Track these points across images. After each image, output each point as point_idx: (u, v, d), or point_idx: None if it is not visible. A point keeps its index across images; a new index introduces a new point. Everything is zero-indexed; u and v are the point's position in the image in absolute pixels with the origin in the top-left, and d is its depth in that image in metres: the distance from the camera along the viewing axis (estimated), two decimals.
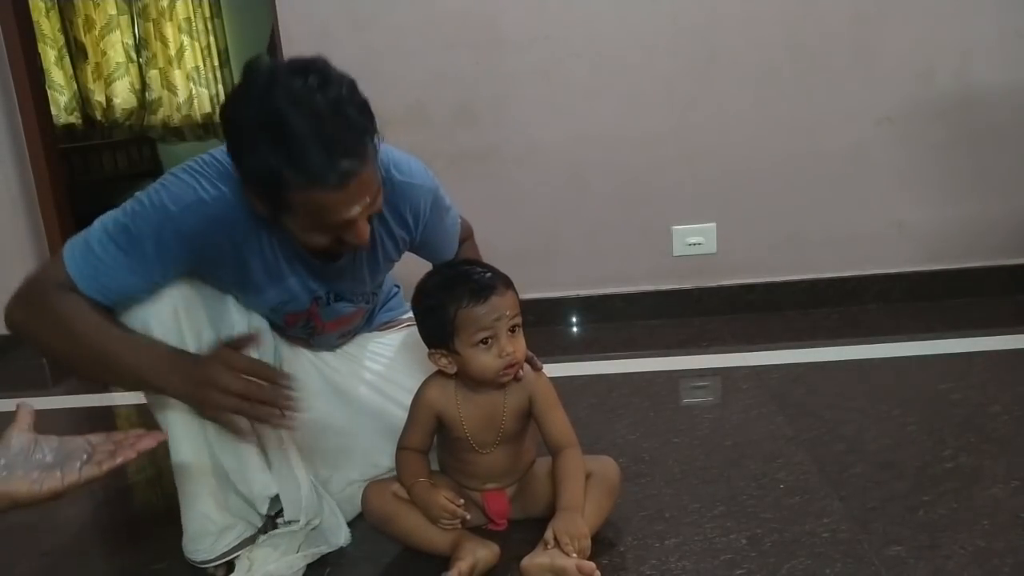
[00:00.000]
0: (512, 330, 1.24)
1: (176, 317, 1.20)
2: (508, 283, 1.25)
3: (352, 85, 1.07)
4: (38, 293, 1.14)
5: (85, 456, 0.97)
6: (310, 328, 1.39)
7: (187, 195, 1.13)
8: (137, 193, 1.16)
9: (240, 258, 1.21)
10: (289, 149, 1.00)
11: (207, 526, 1.26)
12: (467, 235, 1.56)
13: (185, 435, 1.24)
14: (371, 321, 1.58)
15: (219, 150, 1.18)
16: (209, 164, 1.17)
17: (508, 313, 1.22)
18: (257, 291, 1.27)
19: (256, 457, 1.28)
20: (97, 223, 1.16)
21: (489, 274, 1.24)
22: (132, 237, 1.13)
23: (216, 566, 1.28)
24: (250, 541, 1.30)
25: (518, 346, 1.24)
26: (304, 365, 1.47)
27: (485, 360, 1.23)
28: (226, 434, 1.22)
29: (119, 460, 0.96)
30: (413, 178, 1.31)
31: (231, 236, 1.18)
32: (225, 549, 1.27)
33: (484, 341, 1.22)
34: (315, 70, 1.04)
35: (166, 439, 1.00)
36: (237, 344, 1.16)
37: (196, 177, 1.15)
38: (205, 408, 1.14)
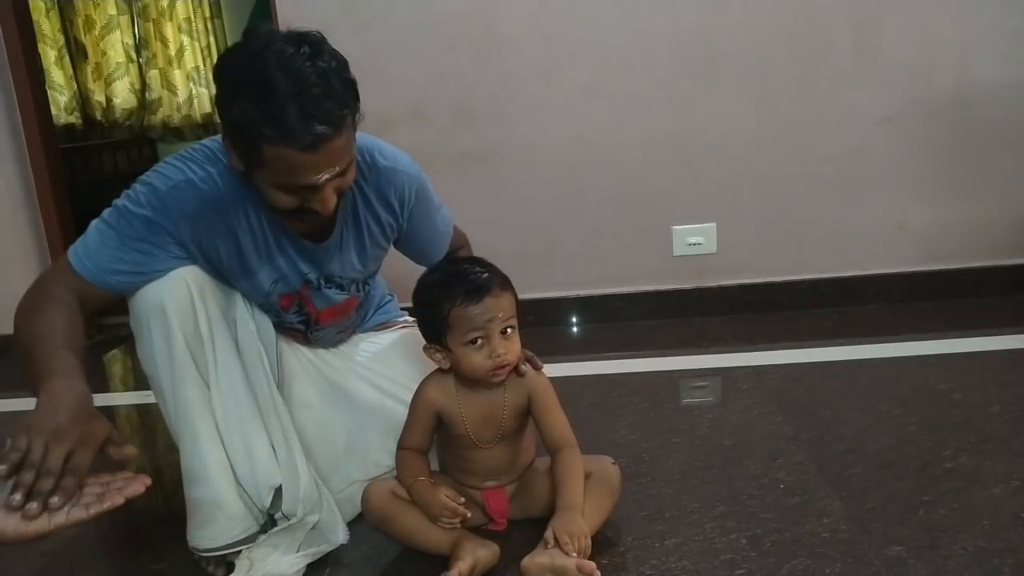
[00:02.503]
0: (505, 331, 1.24)
1: (190, 297, 1.23)
2: (505, 284, 1.26)
3: (343, 63, 1.13)
4: (40, 280, 1.22)
5: (74, 498, 0.96)
6: (304, 315, 1.40)
7: (176, 176, 1.20)
8: (133, 185, 1.23)
9: (233, 238, 1.25)
10: (268, 104, 1.05)
11: (216, 513, 1.26)
12: (461, 243, 1.57)
13: (201, 425, 1.25)
14: (366, 321, 1.58)
15: (207, 140, 1.26)
16: (197, 150, 1.25)
17: (501, 315, 1.23)
18: (251, 274, 1.29)
19: (265, 445, 1.29)
20: (97, 218, 1.23)
21: (486, 274, 1.25)
22: (124, 218, 1.20)
23: (216, 563, 1.28)
24: (251, 540, 1.29)
25: (511, 348, 1.24)
26: (303, 364, 1.47)
27: (476, 359, 1.24)
28: (235, 422, 1.27)
29: (107, 505, 0.95)
30: (397, 164, 1.35)
31: (222, 216, 1.22)
32: (230, 540, 1.27)
33: (475, 341, 1.23)
34: (309, 42, 1.10)
35: (150, 484, 0.98)
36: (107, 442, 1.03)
37: (185, 162, 1.23)
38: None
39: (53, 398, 1.03)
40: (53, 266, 1.25)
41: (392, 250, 1.48)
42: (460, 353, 1.24)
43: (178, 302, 1.22)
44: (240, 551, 1.27)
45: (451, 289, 1.23)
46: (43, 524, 0.93)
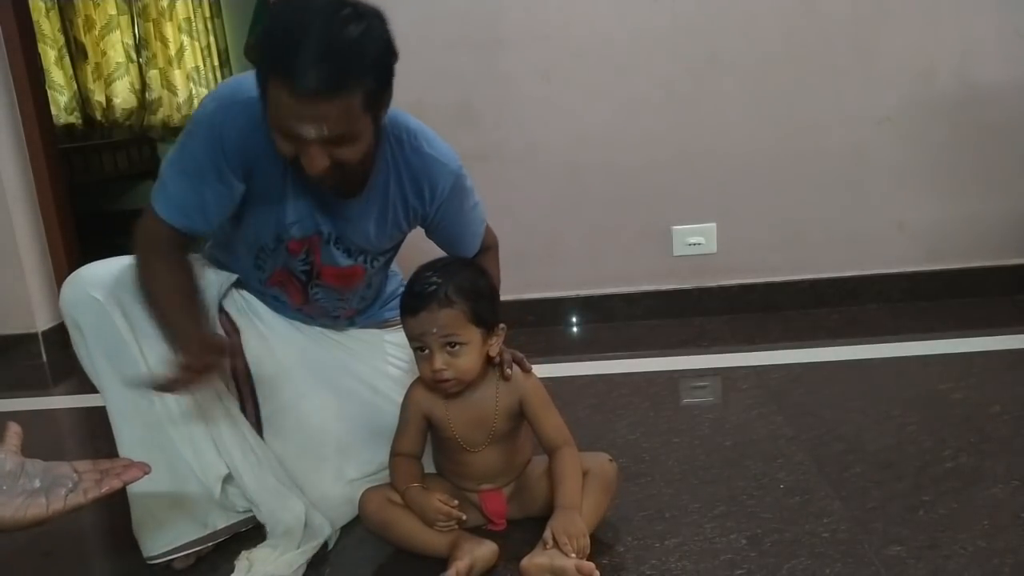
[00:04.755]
0: (452, 346, 1.23)
1: (102, 311, 1.26)
2: (449, 300, 1.21)
3: (387, 46, 1.13)
4: (138, 235, 1.28)
5: (71, 484, 0.96)
6: (309, 264, 1.40)
7: (228, 92, 1.23)
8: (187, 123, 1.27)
9: (272, 161, 1.25)
10: (284, 40, 1.07)
11: (146, 518, 1.28)
12: (491, 244, 1.56)
13: (126, 431, 1.28)
14: (372, 310, 1.58)
15: None
16: (241, 79, 1.26)
17: (436, 331, 1.21)
18: (279, 202, 1.31)
19: (208, 439, 1.31)
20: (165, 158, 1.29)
21: (433, 287, 1.22)
22: (188, 155, 1.24)
23: (166, 561, 1.30)
24: (197, 544, 1.31)
25: (453, 364, 1.23)
26: (294, 364, 1.47)
27: (420, 367, 1.26)
28: (185, 420, 1.29)
29: (105, 489, 0.96)
30: (440, 155, 1.37)
31: (268, 137, 1.21)
32: (167, 548, 1.29)
33: (421, 349, 1.25)
34: (359, 11, 1.10)
35: (149, 471, 1.02)
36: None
37: (246, 76, 1.21)
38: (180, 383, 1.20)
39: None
40: (145, 221, 1.28)
41: (418, 244, 1.49)
42: (414, 357, 1.27)
43: (90, 317, 1.26)
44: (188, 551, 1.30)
45: (404, 295, 1.26)
46: (41, 510, 0.93)
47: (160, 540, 1.29)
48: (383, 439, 1.40)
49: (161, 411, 1.29)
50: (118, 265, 1.32)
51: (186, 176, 1.24)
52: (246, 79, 1.20)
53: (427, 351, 1.24)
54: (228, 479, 1.34)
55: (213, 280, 1.43)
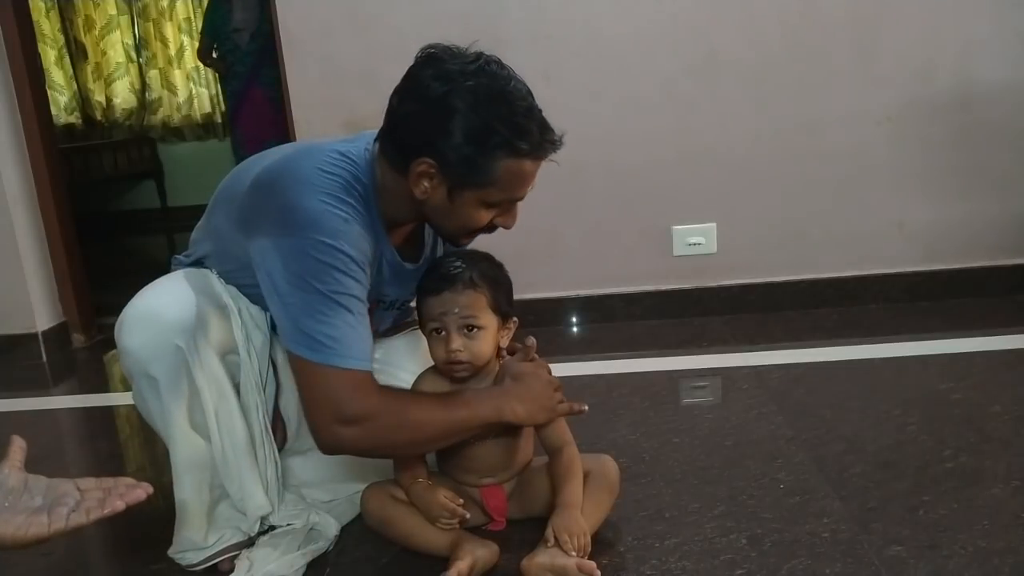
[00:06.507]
0: (470, 329, 1.24)
1: (181, 356, 1.19)
2: (474, 283, 1.24)
3: None
4: (354, 410, 1.14)
5: (73, 502, 0.95)
6: None
7: (339, 226, 1.14)
8: (293, 249, 1.13)
9: (372, 264, 1.25)
10: (514, 117, 1.12)
11: (187, 545, 1.28)
12: None
13: (187, 454, 1.25)
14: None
15: (326, 163, 1.19)
16: (321, 181, 1.17)
17: (457, 311, 1.23)
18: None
19: (257, 480, 1.28)
20: (298, 314, 1.13)
21: (459, 270, 1.24)
22: (344, 295, 1.14)
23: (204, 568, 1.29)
24: (236, 548, 1.30)
25: (470, 347, 1.24)
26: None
27: (435, 349, 1.27)
28: (238, 461, 1.25)
29: (107, 511, 0.94)
30: None
31: (368, 247, 1.21)
32: (209, 555, 1.28)
33: (436, 331, 1.25)
34: (497, 61, 1.19)
35: (151, 492, 0.99)
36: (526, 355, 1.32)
37: (326, 204, 1.15)
38: (553, 413, 1.28)
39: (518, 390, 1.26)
40: (340, 384, 1.14)
41: None
42: (427, 340, 1.28)
43: (167, 366, 1.19)
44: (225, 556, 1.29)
45: (425, 277, 1.27)
46: (43, 529, 0.92)
47: (203, 554, 1.28)
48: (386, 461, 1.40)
49: (217, 453, 1.25)
50: (182, 297, 1.22)
51: (355, 316, 1.15)
52: (330, 212, 1.14)
53: (444, 332, 1.24)
54: None
55: (260, 319, 1.32)
